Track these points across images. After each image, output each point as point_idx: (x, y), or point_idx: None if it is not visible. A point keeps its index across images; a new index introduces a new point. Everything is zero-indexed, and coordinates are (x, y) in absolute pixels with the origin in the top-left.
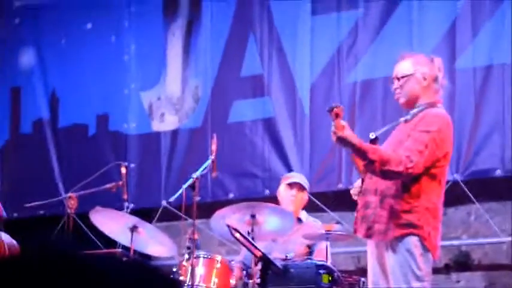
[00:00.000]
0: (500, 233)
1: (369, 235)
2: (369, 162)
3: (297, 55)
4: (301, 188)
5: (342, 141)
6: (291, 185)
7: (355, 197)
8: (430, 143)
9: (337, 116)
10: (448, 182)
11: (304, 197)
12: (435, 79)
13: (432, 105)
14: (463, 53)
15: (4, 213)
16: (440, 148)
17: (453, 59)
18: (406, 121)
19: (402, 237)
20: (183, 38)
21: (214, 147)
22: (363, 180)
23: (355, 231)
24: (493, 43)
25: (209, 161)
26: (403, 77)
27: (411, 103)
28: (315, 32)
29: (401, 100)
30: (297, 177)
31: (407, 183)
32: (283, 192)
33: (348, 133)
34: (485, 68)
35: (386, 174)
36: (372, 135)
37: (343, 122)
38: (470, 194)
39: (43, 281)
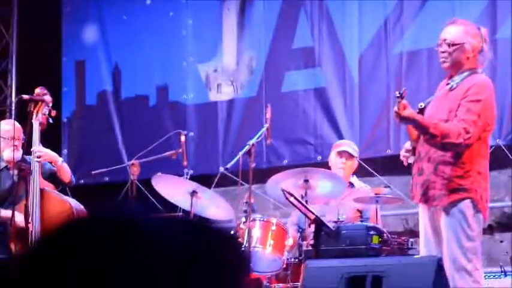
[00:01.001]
0: None
1: (424, 200)
2: (430, 136)
3: (345, 27)
4: (350, 156)
5: (405, 119)
6: (340, 153)
7: (404, 160)
8: (482, 111)
9: (402, 97)
10: (491, 146)
11: (354, 164)
12: (481, 51)
13: (474, 71)
14: (503, 23)
15: (73, 180)
16: (490, 115)
17: (494, 30)
18: (451, 89)
19: (456, 202)
20: (237, 13)
21: (268, 115)
22: (413, 148)
23: (412, 198)
24: None
25: (264, 129)
26: (453, 45)
27: (455, 69)
28: (363, 6)
29: (446, 65)
30: (346, 145)
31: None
32: (333, 159)
33: (410, 111)
34: None
35: (446, 147)
36: (421, 105)
37: (405, 101)
38: None
39: (110, 243)
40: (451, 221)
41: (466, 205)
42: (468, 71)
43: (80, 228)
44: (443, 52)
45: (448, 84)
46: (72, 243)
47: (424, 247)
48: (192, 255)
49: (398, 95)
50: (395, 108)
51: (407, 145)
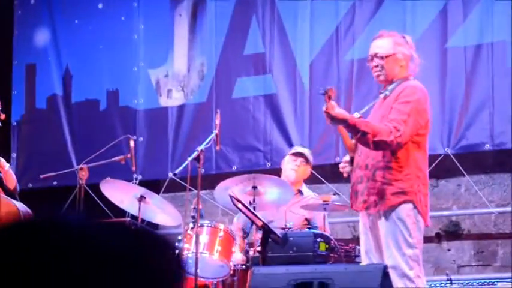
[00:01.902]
0: (489, 203)
1: (365, 207)
2: (361, 134)
3: (297, 34)
4: (305, 160)
5: (334, 119)
6: (295, 155)
7: (343, 171)
8: (412, 112)
9: (329, 97)
10: (440, 155)
11: (306, 170)
12: (411, 58)
13: (406, 78)
14: (454, 33)
15: (18, 187)
16: (422, 116)
17: (445, 39)
18: (385, 97)
19: (396, 205)
20: (189, 19)
21: (218, 121)
22: (351, 159)
23: (351, 206)
24: (482, 23)
25: (213, 135)
26: (386, 57)
27: (389, 80)
28: (315, 12)
29: (381, 78)
30: (303, 149)
31: (396, 154)
32: (286, 162)
33: (339, 111)
34: (475, 47)
35: (378, 145)
36: (357, 115)
37: (333, 103)
38: (460, 167)
39: (42, 247)
40: (391, 228)
41: (407, 212)
42: (400, 79)
43: (8, 231)
44: (376, 66)
45: (381, 93)
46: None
47: (364, 254)
48: (124, 259)
49: (322, 92)
50: (324, 108)
51: (346, 157)
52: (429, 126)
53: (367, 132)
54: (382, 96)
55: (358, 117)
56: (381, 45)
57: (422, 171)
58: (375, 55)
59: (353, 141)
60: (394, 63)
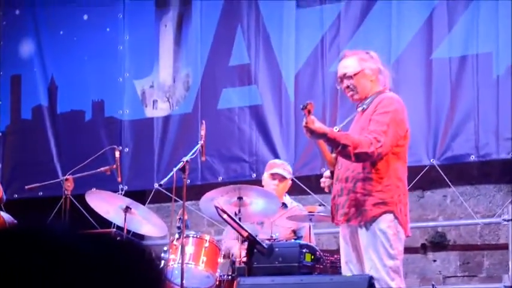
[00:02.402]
0: (474, 214)
1: (346, 220)
2: (342, 147)
3: (282, 45)
4: (282, 178)
5: (314, 133)
6: (273, 175)
7: (324, 186)
8: (391, 122)
9: (309, 112)
10: (425, 166)
11: (286, 185)
12: (379, 71)
13: (382, 92)
14: (439, 44)
15: (4, 197)
16: (400, 126)
17: (430, 50)
18: (363, 110)
19: (377, 216)
20: (174, 30)
21: (203, 132)
22: (331, 173)
23: (332, 220)
24: (467, 35)
25: (198, 146)
26: (355, 75)
27: (364, 97)
28: (300, 24)
29: (356, 97)
30: (280, 166)
31: (376, 165)
32: (266, 180)
33: (319, 125)
34: (460, 58)
35: (359, 157)
36: (336, 129)
37: (313, 117)
38: (446, 178)
39: (20, 255)
40: (372, 239)
41: (387, 223)
42: (376, 93)
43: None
44: (347, 87)
45: (359, 107)
46: None
47: (344, 265)
48: (106, 269)
49: (302, 107)
50: (303, 123)
51: (327, 173)
52: (408, 137)
53: (347, 145)
54: (360, 109)
55: (338, 131)
56: (347, 65)
57: (402, 181)
58: (344, 76)
59: (333, 155)
60: (363, 79)
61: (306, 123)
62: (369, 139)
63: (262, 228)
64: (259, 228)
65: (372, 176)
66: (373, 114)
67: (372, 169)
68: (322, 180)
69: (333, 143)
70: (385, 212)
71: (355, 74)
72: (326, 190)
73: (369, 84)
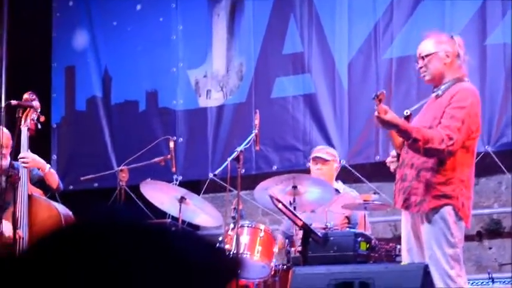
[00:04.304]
0: None
1: (406, 206)
2: (413, 141)
3: (335, 33)
4: (324, 160)
5: (386, 123)
6: (315, 160)
7: (390, 166)
8: (466, 118)
9: (380, 101)
10: (480, 153)
11: (331, 168)
12: (457, 55)
13: (460, 79)
14: (493, 30)
15: (61, 186)
16: (474, 122)
17: (484, 36)
18: (437, 96)
19: (438, 208)
20: (227, 19)
21: (257, 122)
22: (398, 155)
23: (394, 204)
24: None
25: (252, 135)
26: (427, 56)
27: (437, 80)
28: (353, 11)
29: (427, 78)
30: (320, 150)
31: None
32: (311, 166)
33: (391, 116)
34: None
35: (428, 152)
36: (407, 112)
37: (385, 106)
38: (501, 165)
39: (107, 248)
40: (432, 228)
41: (448, 212)
42: (453, 80)
43: (80, 233)
44: (421, 67)
45: (433, 92)
46: (70, 248)
47: (406, 253)
48: (200, 269)
49: (374, 97)
50: (376, 112)
51: (393, 153)
52: (480, 130)
53: (418, 139)
54: (434, 95)
55: (408, 115)
56: (424, 45)
57: (467, 175)
58: (419, 56)
59: (401, 139)
60: (436, 61)
61: (378, 112)
62: (441, 135)
63: (316, 216)
64: (312, 216)
65: (437, 167)
66: (448, 107)
67: (437, 161)
68: (388, 159)
69: (405, 134)
70: (445, 205)
71: (427, 55)
72: (391, 170)
73: (442, 67)
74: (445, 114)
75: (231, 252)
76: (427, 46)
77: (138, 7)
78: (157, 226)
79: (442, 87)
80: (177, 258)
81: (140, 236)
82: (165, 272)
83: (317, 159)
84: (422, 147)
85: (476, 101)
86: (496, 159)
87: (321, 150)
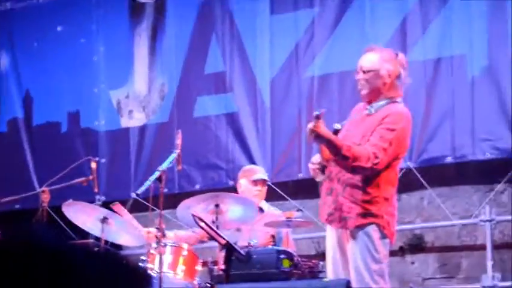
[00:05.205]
0: (452, 216)
1: (330, 221)
2: (342, 157)
3: (257, 52)
4: (264, 182)
5: (320, 137)
6: (255, 182)
7: (315, 177)
8: (394, 141)
9: (318, 117)
10: (402, 169)
11: (265, 188)
12: (398, 76)
13: (393, 100)
14: (413, 47)
15: None
16: (403, 145)
17: (404, 53)
18: (368, 114)
19: (362, 226)
20: (148, 39)
21: (179, 141)
22: (324, 166)
23: (319, 216)
24: (441, 37)
25: (174, 155)
26: (369, 71)
27: (373, 97)
28: (274, 30)
29: (364, 92)
30: (260, 172)
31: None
32: (246, 187)
33: (326, 130)
34: (435, 60)
35: (355, 170)
36: (337, 126)
37: (321, 122)
38: (423, 180)
39: (22, 267)
40: (357, 243)
41: (373, 229)
42: (387, 99)
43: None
44: (360, 80)
45: (366, 109)
46: None
47: (331, 268)
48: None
49: (316, 114)
50: (312, 126)
51: (315, 158)
52: (406, 151)
53: (348, 157)
54: (366, 112)
55: (337, 129)
56: (367, 59)
57: (391, 193)
58: (361, 68)
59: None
60: (377, 79)
61: (315, 126)
62: (368, 153)
63: (241, 234)
64: (237, 234)
65: (361, 184)
66: (379, 126)
67: (362, 178)
68: (310, 166)
69: (335, 150)
70: (370, 224)
71: (369, 71)
72: (317, 180)
73: (381, 86)
74: (375, 133)
75: (141, 269)
76: (371, 61)
77: (59, 28)
78: (70, 246)
79: (375, 105)
80: (85, 276)
81: (54, 256)
82: None
83: (257, 181)
84: (350, 164)
85: (407, 125)
86: (418, 175)
87: (260, 171)
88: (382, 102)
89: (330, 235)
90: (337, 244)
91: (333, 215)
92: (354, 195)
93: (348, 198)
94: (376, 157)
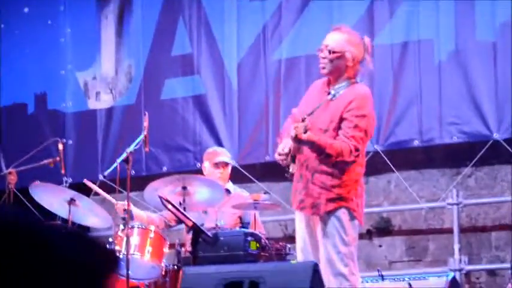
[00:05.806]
0: (419, 199)
1: (301, 208)
2: (326, 156)
3: (224, 34)
4: (226, 164)
5: (304, 142)
6: (217, 164)
7: (281, 162)
8: (368, 127)
9: (303, 120)
10: (369, 152)
11: (229, 170)
12: (361, 60)
13: (352, 81)
14: (381, 31)
15: None
16: (372, 126)
17: (372, 36)
18: (332, 99)
19: (333, 211)
20: (115, 21)
21: (146, 123)
22: (289, 153)
23: (292, 203)
24: (408, 22)
25: (141, 137)
26: (334, 52)
27: (333, 77)
28: (241, 13)
29: (325, 71)
30: (222, 154)
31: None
32: (209, 169)
33: (309, 134)
34: (402, 44)
35: (338, 163)
36: (304, 117)
37: (306, 126)
38: (390, 164)
39: None
40: (327, 227)
41: (342, 212)
42: (347, 80)
43: None
44: (323, 58)
45: (328, 93)
46: None
47: (301, 252)
48: (70, 263)
49: (302, 118)
50: (297, 131)
51: (285, 149)
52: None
53: (332, 155)
54: (329, 97)
55: (303, 119)
56: (333, 39)
57: (360, 174)
58: (326, 47)
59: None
60: (341, 61)
61: (299, 132)
62: (349, 147)
63: (208, 216)
64: (204, 216)
65: (330, 170)
66: (349, 113)
67: (331, 163)
68: (277, 157)
69: (319, 150)
70: (340, 207)
71: (334, 52)
72: (290, 171)
73: (343, 68)
74: (348, 122)
75: (108, 249)
76: (338, 41)
77: (26, 10)
78: (38, 226)
79: (336, 87)
80: (53, 255)
81: (21, 236)
82: (43, 270)
83: (219, 164)
84: (333, 160)
85: (372, 105)
86: (385, 158)
87: (222, 154)
88: (343, 84)
89: (299, 219)
90: (306, 228)
91: (304, 201)
92: (323, 181)
93: (317, 184)
94: (357, 149)
